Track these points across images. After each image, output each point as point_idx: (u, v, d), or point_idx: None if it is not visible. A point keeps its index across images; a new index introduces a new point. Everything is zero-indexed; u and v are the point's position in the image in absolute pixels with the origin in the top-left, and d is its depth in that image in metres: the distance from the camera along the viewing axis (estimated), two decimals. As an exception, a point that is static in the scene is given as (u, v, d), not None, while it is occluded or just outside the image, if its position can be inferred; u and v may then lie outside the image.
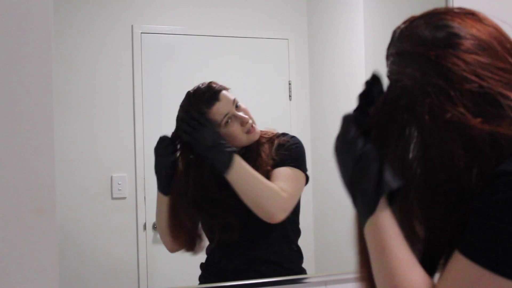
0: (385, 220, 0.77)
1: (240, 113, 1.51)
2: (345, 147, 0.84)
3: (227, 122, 1.48)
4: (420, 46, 0.77)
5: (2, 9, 1.13)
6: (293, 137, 1.58)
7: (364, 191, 0.79)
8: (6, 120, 1.13)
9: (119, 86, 2.06)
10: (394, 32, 0.84)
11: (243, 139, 1.52)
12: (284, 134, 1.59)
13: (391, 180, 0.77)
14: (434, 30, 0.77)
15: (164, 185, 1.53)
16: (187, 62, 2.14)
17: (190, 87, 1.59)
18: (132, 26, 2.07)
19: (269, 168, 1.52)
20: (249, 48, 2.27)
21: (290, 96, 2.28)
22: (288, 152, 1.53)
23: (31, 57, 1.15)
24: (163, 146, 1.52)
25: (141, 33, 2.08)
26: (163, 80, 2.11)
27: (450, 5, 1.68)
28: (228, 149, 1.44)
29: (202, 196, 1.52)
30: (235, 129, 1.50)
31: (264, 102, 1.59)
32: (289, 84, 2.28)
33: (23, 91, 1.14)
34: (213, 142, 1.44)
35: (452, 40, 0.75)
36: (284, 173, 1.51)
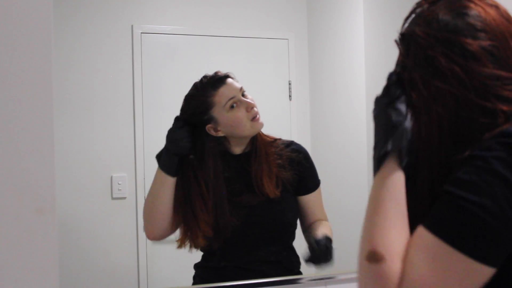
0: (389, 179, 0.75)
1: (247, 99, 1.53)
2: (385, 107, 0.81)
3: (232, 106, 1.50)
4: (428, 35, 0.78)
5: (2, 9, 1.13)
6: (300, 149, 1.61)
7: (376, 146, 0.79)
8: (6, 120, 1.13)
9: (119, 86, 2.06)
10: (414, 9, 0.84)
11: (247, 126, 1.52)
12: (289, 144, 1.60)
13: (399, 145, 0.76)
14: (454, 15, 0.78)
15: (175, 166, 1.49)
16: (187, 62, 2.14)
17: (190, 87, 1.59)
18: (132, 26, 2.07)
19: (275, 169, 1.54)
20: (249, 48, 2.27)
21: (290, 96, 2.28)
22: (307, 173, 1.58)
23: (31, 57, 1.15)
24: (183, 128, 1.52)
25: (141, 33, 2.08)
26: (163, 80, 2.11)
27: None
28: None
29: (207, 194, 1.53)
30: (240, 114, 1.51)
31: (264, 102, 1.59)
32: (289, 84, 2.28)
33: (23, 91, 1.14)
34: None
35: (461, 36, 0.76)
36: (318, 201, 1.60)
